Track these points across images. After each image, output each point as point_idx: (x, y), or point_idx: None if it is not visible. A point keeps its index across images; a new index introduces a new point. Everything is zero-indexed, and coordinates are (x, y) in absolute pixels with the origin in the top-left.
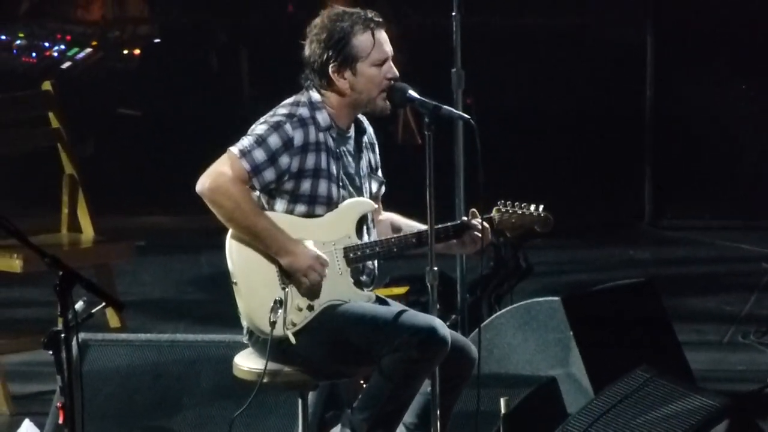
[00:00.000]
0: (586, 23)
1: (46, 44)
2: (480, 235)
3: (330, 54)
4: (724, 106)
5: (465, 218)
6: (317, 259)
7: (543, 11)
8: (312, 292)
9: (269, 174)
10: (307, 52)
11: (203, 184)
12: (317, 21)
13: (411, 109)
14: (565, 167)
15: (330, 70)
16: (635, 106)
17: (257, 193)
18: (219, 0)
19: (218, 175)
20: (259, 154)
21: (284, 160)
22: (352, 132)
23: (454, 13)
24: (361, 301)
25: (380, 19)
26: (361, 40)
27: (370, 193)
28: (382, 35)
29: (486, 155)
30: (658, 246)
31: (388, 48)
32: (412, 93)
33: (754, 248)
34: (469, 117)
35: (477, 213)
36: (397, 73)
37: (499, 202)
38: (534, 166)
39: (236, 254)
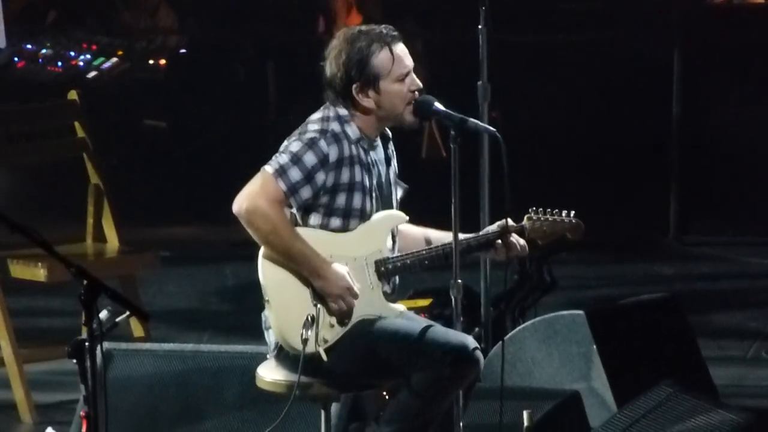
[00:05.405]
0: (613, 38)
1: (72, 54)
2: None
3: (351, 75)
4: (750, 124)
5: (492, 230)
6: (349, 289)
7: (569, 26)
8: (342, 314)
9: (306, 192)
10: (327, 73)
11: (240, 205)
12: (334, 42)
13: (436, 122)
14: (590, 182)
15: (353, 91)
16: (662, 121)
17: (293, 210)
18: (247, 14)
19: (255, 197)
20: (296, 173)
21: (320, 177)
22: (378, 141)
23: (480, 26)
24: (392, 315)
25: (396, 33)
26: (381, 58)
27: (397, 200)
28: (401, 49)
29: (511, 169)
30: (683, 261)
31: (409, 61)
32: (438, 106)
33: None
34: (495, 130)
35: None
36: (420, 84)
37: (530, 209)
38: (559, 180)
39: (269, 272)
